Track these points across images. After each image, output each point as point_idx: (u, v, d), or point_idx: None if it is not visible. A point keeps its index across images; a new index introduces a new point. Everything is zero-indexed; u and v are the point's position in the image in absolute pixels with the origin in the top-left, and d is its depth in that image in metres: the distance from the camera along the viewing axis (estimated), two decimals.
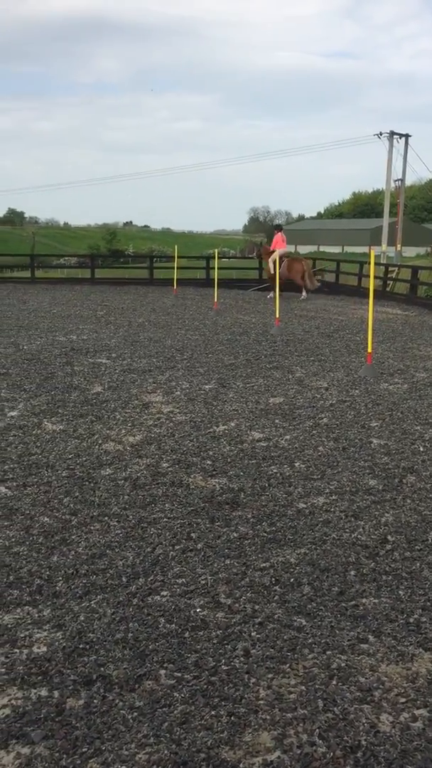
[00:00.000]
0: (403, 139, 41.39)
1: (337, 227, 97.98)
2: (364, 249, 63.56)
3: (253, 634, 3.23)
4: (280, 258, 20.50)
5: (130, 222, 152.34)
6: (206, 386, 8.27)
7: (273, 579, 3.74)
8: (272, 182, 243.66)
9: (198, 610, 3.43)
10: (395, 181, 42.39)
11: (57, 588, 3.62)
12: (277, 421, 6.84)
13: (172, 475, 5.27)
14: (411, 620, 3.38)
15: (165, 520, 4.47)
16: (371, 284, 10.36)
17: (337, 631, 3.27)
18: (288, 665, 3.01)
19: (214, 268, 21.42)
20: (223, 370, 9.23)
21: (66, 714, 2.69)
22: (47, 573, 3.77)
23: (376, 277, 12.66)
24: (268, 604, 3.49)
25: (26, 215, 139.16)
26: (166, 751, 2.49)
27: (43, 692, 2.82)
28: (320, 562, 3.94)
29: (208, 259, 24.27)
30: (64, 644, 3.13)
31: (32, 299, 18.18)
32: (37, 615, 3.38)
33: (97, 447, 5.93)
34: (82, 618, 3.34)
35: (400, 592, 3.64)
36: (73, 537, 4.21)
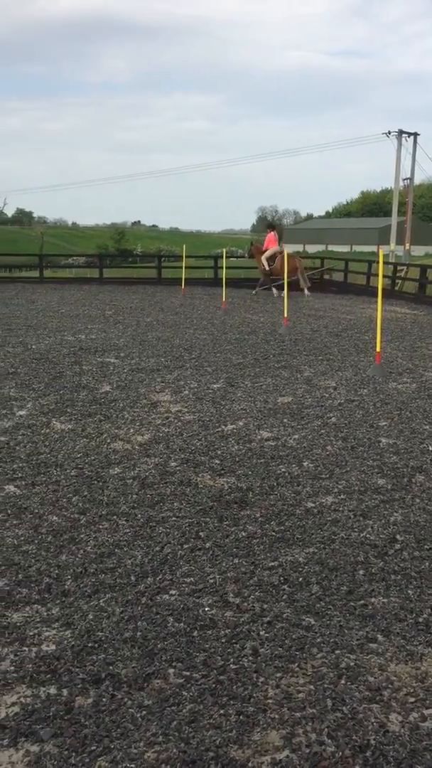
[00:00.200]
0: (412, 137, 41.28)
1: (345, 226, 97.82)
2: (372, 248, 63.42)
3: (261, 633, 3.23)
4: (274, 255, 20.65)
5: (139, 222, 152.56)
6: (214, 385, 8.27)
7: (281, 578, 3.73)
8: (280, 181, 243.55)
9: (206, 609, 3.43)
10: (404, 179, 42.29)
11: (66, 586, 3.63)
12: (285, 420, 6.84)
13: (181, 474, 5.27)
14: (420, 620, 3.37)
15: (173, 519, 4.48)
16: (380, 283, 10.33)
17: (346, 631, 3.26)
18: (296, 664, 3.00)
19: (222, 267, 21.45)
20: (231, 370, 9.23)
21: (75, 712, 2.69)
22: (56, 571, 3.78)
23: (384, 276, 12.58)
24: (276, 603, 3.49)
25: (35, 215, 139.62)
26: (174, 750, 2.49)
27: (52, 690, 2.82)
28: (329, 562, 3.93)
29: (216, 258, 24.27)
30: (73, 642, 3.14)
31: (41, 299, 18.23)
32: (45, 613, 3.39)
33: (105, 446, 5.94)
34: (91, 616, 3.35)
35: (409, 591, 3.63)
36: (82, 536, 4.22)
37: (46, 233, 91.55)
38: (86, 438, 6.15)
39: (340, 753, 2.49)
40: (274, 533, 4.29)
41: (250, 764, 2.44)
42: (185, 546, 4.09)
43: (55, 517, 4.47)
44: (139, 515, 4.52)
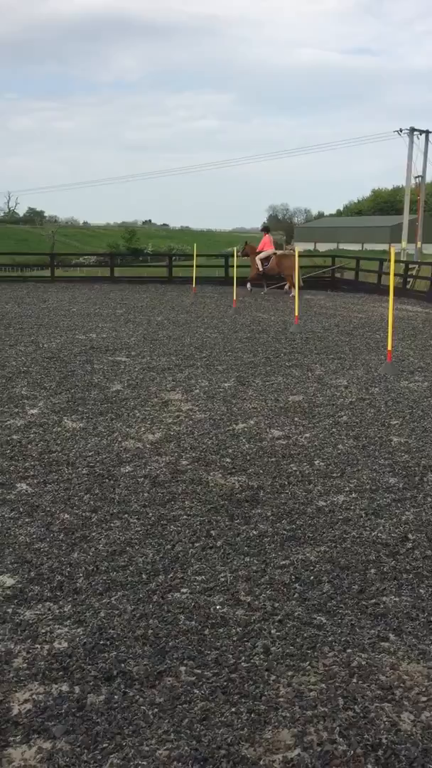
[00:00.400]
0: (424, 135, 41.08)
1: (356, 224, 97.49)
2: (384, 246, 63.17)
3: (272, 631, 3.23)
4: (269, 256, 20.79)
5: (149, 220, 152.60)
6: (225, 384, 8.27)
7: (293, 577, 3.73)
8: (291, 180, 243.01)
9: (218, 607, 3.43)
10: (415, 177, 42.09)
11: (77, 584, 3.64)
12: (296, 419, 6.83)
13: (192, 473, 5.28)
14: None
15: (184, 517, 4.48)
16: (391, 282, 10.30)
17: (358, 629, 3.26)
18: (308, 663, 3.00)
19: (233, 266, 21.46)
20: (242, 368, 9.23)
21: (87, 709, 2.70)
22: (68, 569, 3.80)
23: (396, 275, 12.56)
24: (287, 602, 3.48)
25: (46, 214, 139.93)
26: (186, 748, 2.50)
27: (64, 687, 2.83)
28: (340, 560, 3.92)
29: (227, 257, 24.25)
30: (85, 640, 3.15)
31: (52, 298, 18.29)
32: (58, 611, 3.40)
33: (116, 445, 5.95)
34: (103, 614, 3.36)
35: (421, 590, 3.62)
36: (94, 534, 4.23)
37: (57, 232, 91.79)
38: (97, 436, 6.16)
39: (352, 752, 2.49)
40: (285, 532, 4.28)
41: (261, 762, 2.44)
42: (196, 544, 4.10)
43: (66, 515, 4.49)
44: (151, 513, 4.53)
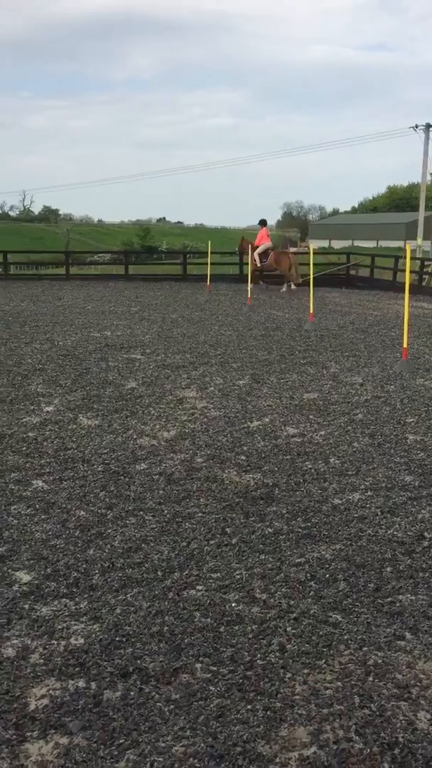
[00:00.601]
0: None
1: (371, 221, 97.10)
2: (399, 243, 62.88)
3: (288, 629, 3.23)
4: (267, 250, 20.74)
5: (164, 218, 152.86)
6: (240, 382, 8.27)
7: (308, 575, 3.72)
8: (306, 177, 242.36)
9: (233, 604, 3.43)
10: (431, 173, 41.84)
11: (93, 581, 3.66)
12: (311, 416, 6.81)
13: (207, 470, 5.28)
14: None
15: (200, 514, 4.49)
16: (407, 279, 10.25)
17: (374, 628, 3.25)
18: (324, 661, 3.00)
19: (247, 263, 21.43)
20: (257, 366, 9.22)
21: (103, 705, 2.71)
22: (84, 566, 3.81)
23: (411, 272, 12.47)
24: (303, 600, 3.48)
25: (61, 212, 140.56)
26: (202, 744, 2.50)
27: (81, 683, 2.85)
28: (356, 558, 3.91)
29: (242, 254, 24.23)
30: (101, 636, 3.16)
31: (67, 295, 18.36)
32: (74, 607, 3.42)
33: (131, 442, 5.97)
34: (119, 611, 3.37)
35: None
36: (109, 531, 4.25)
37: (72, 230, 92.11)
38: (113, 434, 6.18)
39: (368, 750, 2.48)
40: (300, 530, 4.28)
41: (277, 760, 2.44)
42: (212, 542, 4.10)
43: (82, 512, 4.51)
44: (166, 511, 4.54)
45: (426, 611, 3.39)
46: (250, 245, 21.36)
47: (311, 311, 13.65)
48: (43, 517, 4.45)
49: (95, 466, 5.35)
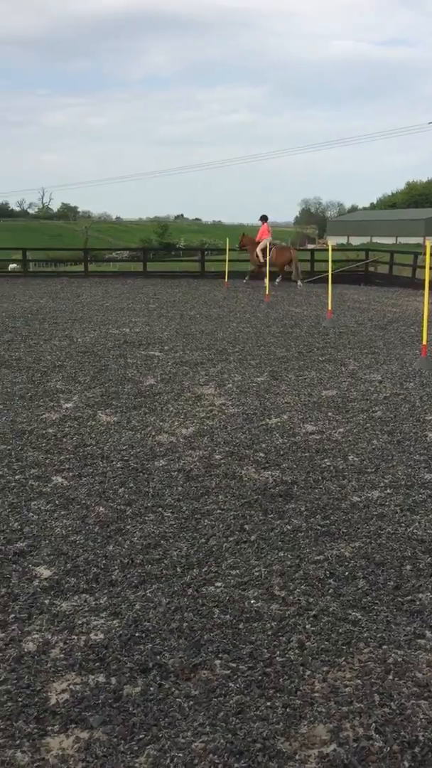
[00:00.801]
0: None
1: (390, 218, 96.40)
2: (418, 240, 62.41)
3: (307, 626, 3.22)
4: (268, 247, 20.69)
5: (182, 215, 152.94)
6: (258, 379, 8.26)
7: (327, 572, 3.72)
8: (324, 173, 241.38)
9: (252, 601, 3.44)
10: None
11: (113, 577, 3.68)
12: (330, 414, 6.79)
13: (225, 467, 5.28)
14: None
15: (218, 511, 4.49)
16: (426, 275, 10.17)
17: (393, 626, 3.24)
18: (343, 658, 2.99)
19: (265, 260, 21.38)
20: (275, 363, 9.21)
21: (123, 700, 2.73)
22: (103, 562, 3.83)
23: (431, 268, 12.35)
24: (322, 597, 3.47)
25: (79, 210, 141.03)
26: (222, 740, 2.51)
27: (101, 678, 2.86)
28: (375, 556, 3.90)
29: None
30: (121, 632, 3.18)
31: (86, 292, 18.43)
32: (94, 603, 3.44)
33: (150, 439, 5.98)
34: (138, 607, 3.39)
35: None
36: (128, 527, 4.26)
37: (90, 228, 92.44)
38: (131, 430, 6.20)
39: (388, 748, 2.47)
40: (319, 527, 4.27)
41: (297, 757, 2.44)
42: (230, 538, 4.11)
43: (101, 508, 4.53)
44: (185, 507, 4.55)
45: None
46: (250, 241, 21.38)
47: (329, 308, 13.59)
48: (62, 513, 4.47)
49: (114, 463, 5.37)
